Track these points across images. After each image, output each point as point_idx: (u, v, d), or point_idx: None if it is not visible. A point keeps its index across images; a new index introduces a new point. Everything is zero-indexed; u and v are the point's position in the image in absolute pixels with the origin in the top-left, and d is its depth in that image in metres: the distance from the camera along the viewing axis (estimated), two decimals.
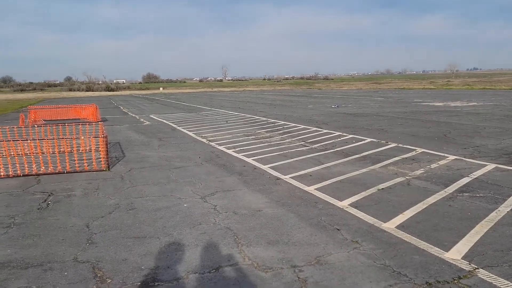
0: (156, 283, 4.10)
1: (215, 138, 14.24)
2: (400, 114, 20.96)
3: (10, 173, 8.73)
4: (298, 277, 4.16)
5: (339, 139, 13.16)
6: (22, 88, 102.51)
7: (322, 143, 12.48)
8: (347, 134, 14.14)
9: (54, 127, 13.06)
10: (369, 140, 12.82)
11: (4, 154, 9.58)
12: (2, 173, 8.65)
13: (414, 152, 10.67)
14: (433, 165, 9.04)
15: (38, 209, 6.57)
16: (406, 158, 9.95)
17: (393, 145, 11.82)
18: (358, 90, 60.11)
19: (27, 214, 6.30)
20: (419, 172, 8.47)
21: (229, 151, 11.49)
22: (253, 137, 14.24)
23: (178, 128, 17.73)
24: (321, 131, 15.27)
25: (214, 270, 4.36)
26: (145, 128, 18.12)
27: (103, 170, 9.21)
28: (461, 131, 14.39)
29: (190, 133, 15.68)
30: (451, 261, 4.44)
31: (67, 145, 10.76)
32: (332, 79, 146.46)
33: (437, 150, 10.84)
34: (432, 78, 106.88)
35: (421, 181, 7.74)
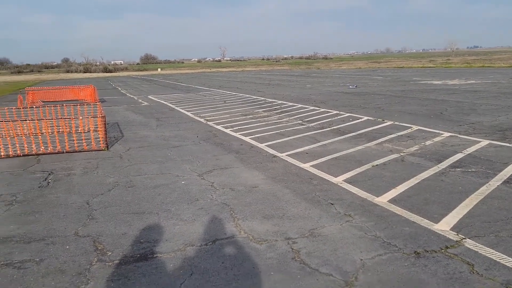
0: (155, 255, 4.26)
1: (213, 117, 14.32)
2: (398, 93, 20.99)
3: (10, 153, 8.84)
4: (292, 248, 4.32)
5: (336, 118, 13.24)
6: (19, 70, 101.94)
7: (319, 122, 12.57)
8: (344, 113, 14.22)
9: (52, 108, 13.11)
10: (365, 118, 12.91)
11: (4, 134, 9.68)
12: (2, 153, 8.77)
13: (409, 129, 10.77)
14: (428, 142, 9.16)
15: (39, 187, 6.70)
16: (401, 135, 10.06)
17: (389, 123, 11.91)
18: (357, 69, 59.85)
19: (28, 192, 6.43)
20: (413, 148, 8.60)
21: (227, 130, 11.59)
22: (250, 116, 14.32)
23: (176, 108, 17.78)
24: (319, 110, 15.34)
25: (211, 243, 4.51)
26: (144, 108, 18.17)
27: (102, 150, 9.32)
28: (457, 108, 14.47)
29: (188, 113, 15.75)
30: (440, 232, 4.59)
31: (66, 126, 10.85)
32: (331, 59, 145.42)
33: (433, 127, 10.95)
34: (432, 57, 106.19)
35: (415, 158, 7.87)
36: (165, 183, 6.74)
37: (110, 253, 4.32)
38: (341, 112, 14.39)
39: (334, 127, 11.51)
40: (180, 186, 6.59)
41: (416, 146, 8.83)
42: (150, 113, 16.17)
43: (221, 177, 7.01)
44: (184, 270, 3.94)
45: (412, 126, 11.22)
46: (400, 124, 11.63)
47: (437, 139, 9.49)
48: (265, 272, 3.86)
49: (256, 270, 3.91)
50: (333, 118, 13.16)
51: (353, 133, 10.52)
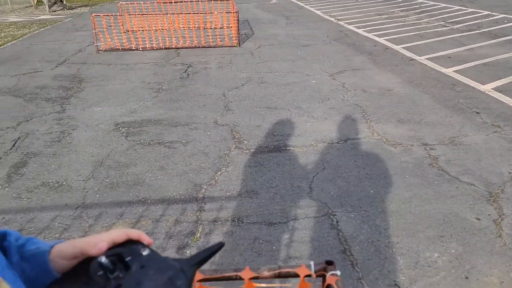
0: (288, 148, 4.41)
1: (344, 17, 13.55)
2: None
3: (154, 46, 9.54)
4: (429, 154, 4.11)
5: (487, 19, 11.57)
6: None
7: (465, 23, 11.13)
8: (497, 14, 12.32)
9: (189, 3, 13.58)
10: None
11: (148, 28, 10.42)
12: (148, 46, 9.51)
13: None
14: None
15: (180, 78, 7.21)
16: None
17: None
18: None
19: (171, 82, 6.98)
20: None
21: (359, 31, 10.93)
22: (385, 16, 13.23)
23: (305, 6, 17.14)
24: (466, 10, 13.51)
25: (343, 142, 4.50)
26: (272, 6, 17.86)
27: (234, 46, 9.55)
28: None
29: (317, 12, 15.10)
30: None
31: (201, 21, 11.22)
32: None
33: None
34: None
35: None
36: (296, 81, 6.75)
37: (246, 142, 4.59)
38: (493, 13, 12.49)
39: (485, 30, 10.11)
40: (310, 85, 6.55)
41: None
42: (278, 11, 15.86)
43: (353, 78, 6.77)
44: (316, 164, 4.04)
45: None
46: None
47: None
48: (400, 174, 3.77)
49: (390, 171, 3.83)
50: (484, 20, 11.51)
51: (508, 37, 9.14)
